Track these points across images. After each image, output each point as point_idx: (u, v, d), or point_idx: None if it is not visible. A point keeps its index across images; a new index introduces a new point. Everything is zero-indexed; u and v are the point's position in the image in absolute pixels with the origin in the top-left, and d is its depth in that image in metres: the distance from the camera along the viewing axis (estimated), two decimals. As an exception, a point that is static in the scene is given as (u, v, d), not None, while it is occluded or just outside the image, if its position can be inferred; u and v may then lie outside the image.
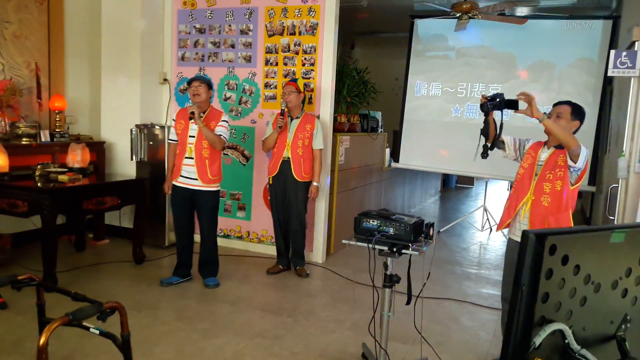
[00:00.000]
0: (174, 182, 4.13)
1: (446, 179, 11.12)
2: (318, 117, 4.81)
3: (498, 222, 2.97)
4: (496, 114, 2.82)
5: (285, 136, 4.44)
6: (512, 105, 2.66)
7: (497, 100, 2.69)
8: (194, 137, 4.01)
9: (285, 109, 4.39)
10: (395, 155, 6.78)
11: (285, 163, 4.44)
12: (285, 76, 5.03)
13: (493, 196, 7.67)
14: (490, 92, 3.32)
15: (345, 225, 5.56)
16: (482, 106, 2.75)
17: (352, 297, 4.11)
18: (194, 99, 3.98)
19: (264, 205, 5.22)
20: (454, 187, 11.63)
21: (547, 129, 2.63)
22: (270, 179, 4.53)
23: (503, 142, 2.93)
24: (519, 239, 2.78)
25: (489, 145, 2.85)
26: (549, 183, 2.68)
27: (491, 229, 6.96)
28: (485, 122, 2.81)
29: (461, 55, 6.37)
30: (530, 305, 1.06)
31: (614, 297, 1.22)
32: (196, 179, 4.03)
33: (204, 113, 4.03)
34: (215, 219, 4.23)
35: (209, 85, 4.07)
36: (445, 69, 6.42)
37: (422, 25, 6.53)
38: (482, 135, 2.85)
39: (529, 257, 1.05)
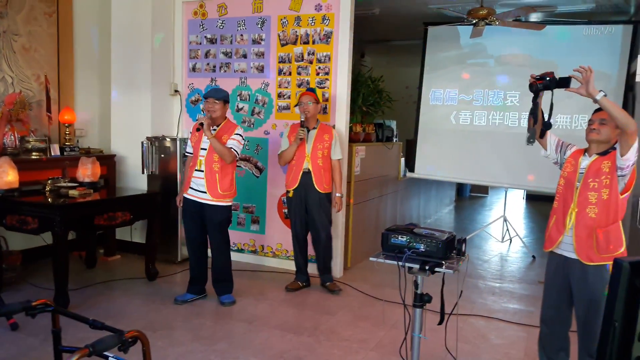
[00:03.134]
0: (184, 195, 4.02)
1: (460, 188, 10.95)
2: (334, 126, 4.69)
3: (545, 240, 2.74)
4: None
5: (303, 148, 4.30)
6: (564, 83, 2.45)
7: (548, 79, 2.49)
8: (205, 149, 3.89)
9: (304, 120, 4.26)
10: (410, 165, 6.63)
11: (306, 175, 4.29)
12: (299, 86, 4.92)
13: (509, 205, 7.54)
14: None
15: (362, 238, 5.43)
16: (531, 86, 2.55)
17: (374, 315, 3.95)
18: (209, 114, 3.87)
19: (278, 218, 5.09)
20: (467, 196, 11.45)
21: (604, 109, 2.37)
22: (291, 192, 4.36)
23: (545, 136, 2.74)
24: (565, 254, 2.61)
25: (537, 131, 2.65)
26: (594, 192, 2.49)
27: (511, 240, 6.79)
28: (535, 104, 2.60)
29: (477, 63, 6.24)
30: (625, 344, 0.92)
31: None
32: (205, 193, 3.90)
33: (217, 126, 3.92)
34: (225, 235, 4.06)
35: (225, 101, 3.95)
36: (462, 76, 6.29)
37: (437, 33, 6.42)
38: (530, 119, 2.64)
39: (623, 290, 0.91)
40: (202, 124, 3.77)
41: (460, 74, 6.31)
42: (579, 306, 2.61)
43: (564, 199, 2.61)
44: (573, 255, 2.56)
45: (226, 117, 4.01)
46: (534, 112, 2.64)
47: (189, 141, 4.07)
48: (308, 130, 4.30)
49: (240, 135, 3.96)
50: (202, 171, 3.89)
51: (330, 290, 4.42)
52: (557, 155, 2.74)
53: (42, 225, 3.81)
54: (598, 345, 0.93)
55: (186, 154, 4.14)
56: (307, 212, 4.39)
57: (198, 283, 4.13)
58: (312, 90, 4.38)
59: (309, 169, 4.29)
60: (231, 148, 3.87)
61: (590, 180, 2.51)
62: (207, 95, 3.92)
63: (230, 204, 4.04)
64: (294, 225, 4.45)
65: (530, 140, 2.71)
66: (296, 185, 4.33)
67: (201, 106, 3.90)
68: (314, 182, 4.29)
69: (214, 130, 3.90)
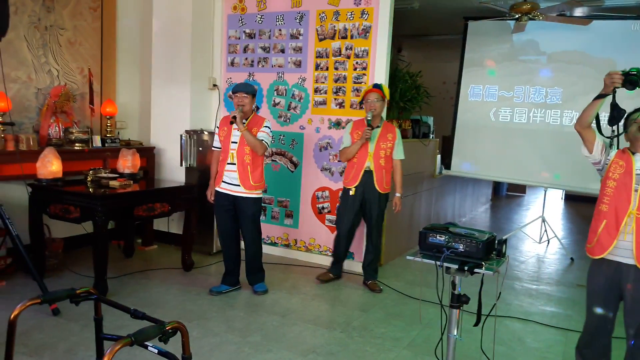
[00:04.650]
0: (216, 189, 4.08)
1: (497, 186, 10.74)
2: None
3: (592, 245, 2.59)
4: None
5: (366, 146, 4.23)
6: None
7: (639, 77, 2.36)
8: (236, 143, 3.96)
9: (371, 119, 4.16)
10: (446, 162, 6.54)
11: (368, 174, 4.25)
12: (336, 81, 4.90)
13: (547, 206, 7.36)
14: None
15: (396, 236, 5.39)
16: (630, 83, 2.38)
17: (407, 313, 3.92)
18: (239, 108, 3.92)
19: (312, 213, 5.10)
20: (504, 195, 11.22)
21: None
22: (353, 189, 4.29)
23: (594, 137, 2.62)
24: (619, 260, 2.50)
25: (617, 130, 2.52)
26: None
27: (549, 241, 6.62)
28: (613, 103, 2.43)
29: (518, 58, 6.09)
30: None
31: None
32: (238, 185, 3.97)
33: (246, 119, 3.96)
34: (258, 226, 4.14)
35: (254, 95, 4.00)
36: (502, 72, 6.14)
37: (478, 27, 6.29)
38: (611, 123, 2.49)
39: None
40: (234, 117, 3.84)
41: (500, 69, 6.17)
42: (631, 315, 2.50)
43: (617, 202, 2.48)
44: (631, 262, 2.46)
45: (254, 112, 4.05)
46: (619, 112, 2.49)
47: (216, 136, 4.12)
48: (372, 129, 4.21)
49: (269, 127, 4.02)
50: (235, 164, 3.95)
51: (370, 289, 4.40)
52: (601, 156, 2.63)
53: (84, 215, 3.93)
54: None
55: (213, 148, 4.19)
56: (362, 210, 4.36)
57: (233, 275, 4.19)
58: (379, 87, 4.26)
59: (370, 169, 4.24)
60: (262, 140, 3.93)
61: None
62: (236, 89, 3.97)
63: (261, 195, 4.10)
64: (343, 220, 4.39)
65: (612, 144, 2.60)
66: (357, 183, 4.27)
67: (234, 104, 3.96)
68: (375, 182, 4.25)
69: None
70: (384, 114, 4.43)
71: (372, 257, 4.45)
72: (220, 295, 4.09)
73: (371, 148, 4.24)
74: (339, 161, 4.90)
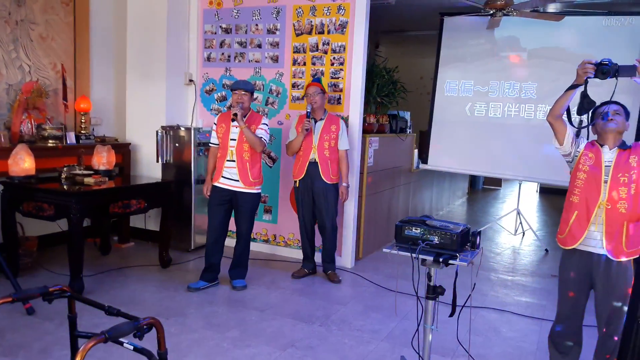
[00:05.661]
0: (214, 184, 4.10)
1: (473, 180, 10.88)
2: (343, 117, 4.69)
3: (564, 236, 2.64)
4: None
5: (310, 138, 4.33)
6: (631, 71, 2.38)
7: (618, 65, 2.41)
8: (235, 140, 3.99)
9: (310, 111, 4.27)
10: (423, 157, 6.60)
11: (313, 165, 4.34)
12: (313, 76, 4.90)
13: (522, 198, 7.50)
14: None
15: (374, 229, 5.43)
16: (602, 71, 2.42)
17: (385, 305, 3.96)
18: (239, 105, 3.94)
19: (290, 208, 5.10)
20: (480, 188, 11.38)
21: None
22: (297, 182, 4.42)
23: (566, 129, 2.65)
24: (590, 250, 2.55)
25: (586, 121, 2.57)
26: (624, 187, 2.45)
27: (524, 233, 6.74)
28: (583, 93, 2.47)
29: (494, 54, 6.17)
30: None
31: None
32: (238, 181, 4.01)
33: (244, 117, 3.98)
34: (252, 222, 4.19)
35: (252, 92, 4.06)
36: (478, 67, 6.22)
37: (454, 23, 6.35)
38: (580, 112, 2.53)
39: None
40: (236, 114, 3.87)
41: (476, 65, 6.24)
42: (602, 304, 2.57)
43: (587, 194, 2.54)
44: (601, 252, 2.52)
45: (251, 109, 4.09)
46: (588, 103, 2.54)
47: (213, 132, 4.14)
48: (315, 121, 4.33)
49: (266, 125, 4.08)
50: (234, 161, 4.00)
51: (330, 280, 4.48)
52: (571, 149, 2.68)
53: (58, 212, 3.87)
54: (621, 341, 0.92)
55: (210, 144, 4.22)
56: (313, 202, 4.42)
57: (213, 271, 4.19)
58: (318, 81, 4.38)
59: (315, 160, 4.33)
60: (261, 137, 3.98)
61: (619, 175, 2.47)
62: (235, 87, 3.99)
63: (260, 191, 4.16)
64: (301, 214, 4.51)
65: (579, 133, 2.63)
66: (302, 175, 4.37)
67: (229, 101, 3.97)
68: (321, 173, 4.33)
69: None
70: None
71: (326, 247, 4.52)
72: (198, 291, 4.07)
73: (315, 140, 4.33)
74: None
